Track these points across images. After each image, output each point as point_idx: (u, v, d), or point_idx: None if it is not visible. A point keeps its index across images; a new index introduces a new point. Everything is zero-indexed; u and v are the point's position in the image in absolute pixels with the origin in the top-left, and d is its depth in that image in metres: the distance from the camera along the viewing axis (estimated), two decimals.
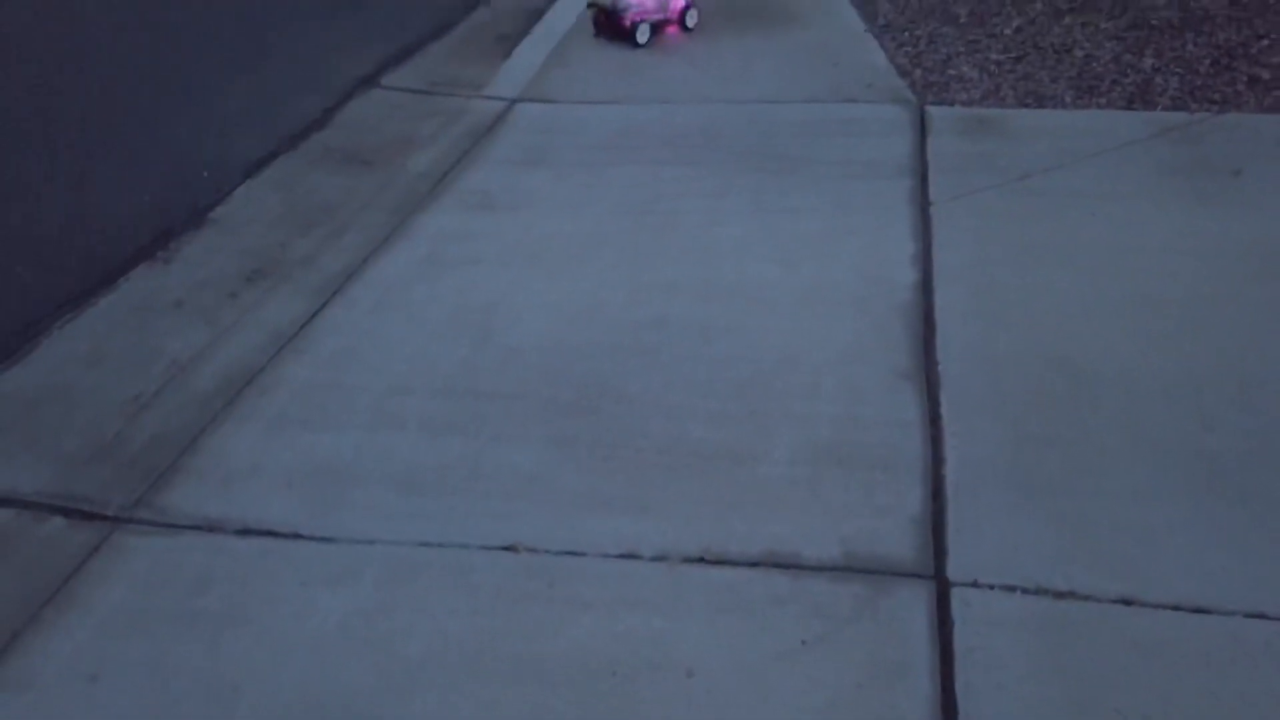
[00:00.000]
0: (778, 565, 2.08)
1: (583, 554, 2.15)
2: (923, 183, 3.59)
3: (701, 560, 2.11)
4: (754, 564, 2.09)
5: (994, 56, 4.66)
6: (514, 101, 4.53)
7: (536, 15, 5.60)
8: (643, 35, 4.93)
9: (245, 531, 2.23)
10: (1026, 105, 4.16)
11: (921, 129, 4.00)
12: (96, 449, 2.46)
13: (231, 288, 3.13)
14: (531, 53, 5.07)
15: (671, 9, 5.03)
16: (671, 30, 5.09)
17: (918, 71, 4.56)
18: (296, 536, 2.22)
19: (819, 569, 2.07)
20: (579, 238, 3.41)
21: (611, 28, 4.96)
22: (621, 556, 2.14)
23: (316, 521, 2.26)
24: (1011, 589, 2.01)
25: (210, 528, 2.24)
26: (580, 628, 1.98)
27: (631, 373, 2.72)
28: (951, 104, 4.22)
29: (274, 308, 3.04)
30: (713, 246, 3.32)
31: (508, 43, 5.27)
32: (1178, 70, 4.33)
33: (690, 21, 5.12)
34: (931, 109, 4.17)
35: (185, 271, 3.21)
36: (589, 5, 5.12)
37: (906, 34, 5.00)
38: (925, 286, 2.98)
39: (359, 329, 2.96)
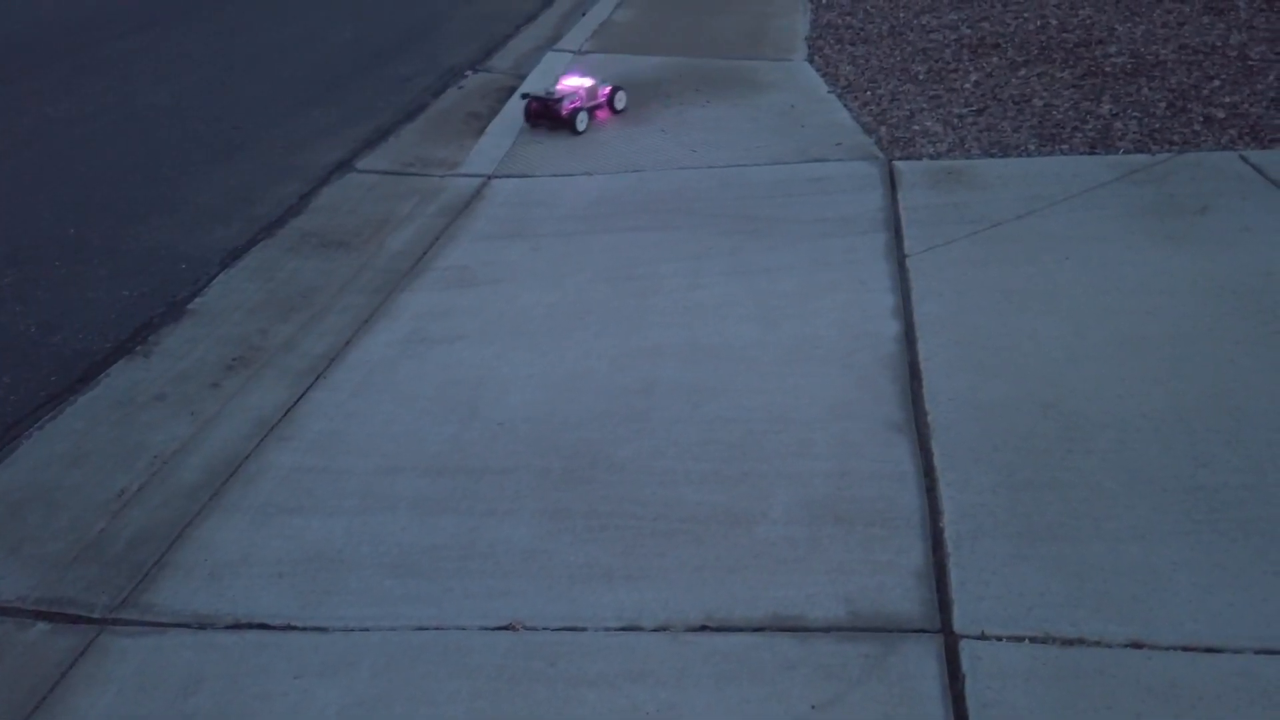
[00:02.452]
0: (783, 629, 2.04)
1: (583, 629, 2.11)
2: (897, 236, 3.64)
3: (705, 628, 2.07)
4: (759, 629, 2.05)
5: (956, 110, 4.78)
6: (489, 177, 4.58)
7: (507, 93, 5.71)
8: (582, 123, 4.93)
9: (236, 626, 2.17)
10: (992, 155, 4.26)
11: (891, 183, 4.07)
12: (80, 549, 2.40)
13: (213, 377, 3.11)
14: (503, 130, 5.15)
15: (600, 94, 5.07)
16: (602, 115, 5.10)
17: (883, 128, 4.66)
18: (289, 628, 2.16)
19: (825, 630, 2.03)
20: (561, 307, 3.42)
21: (548, 117, 4.94)
22: (623, 629, 2.10)
23: (309, 611, 2.20)
24: (1019, 639, 1.98)
25: (199, 624, 2.18)
26: (585, 705, 1.93)
27: (622, 440, 2.70)
28: (919, 158, 4.31)
29: (257, 395, 3.01)
30: (694, 309, 3.33)
31: (479, 121, 5.36)
32: (1135, 114, 4.45)
33: (619, 104, 5.14)
34: (900, 164, 4.25)
35: (166, 364, 3.19)
36: (522, 95, 5.14)
37: (869, 93, 5.13)
38: (908, 338, 3.00)
39: (344, 411, 2.93)
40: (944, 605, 2.07)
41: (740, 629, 2.06)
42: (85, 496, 2.59)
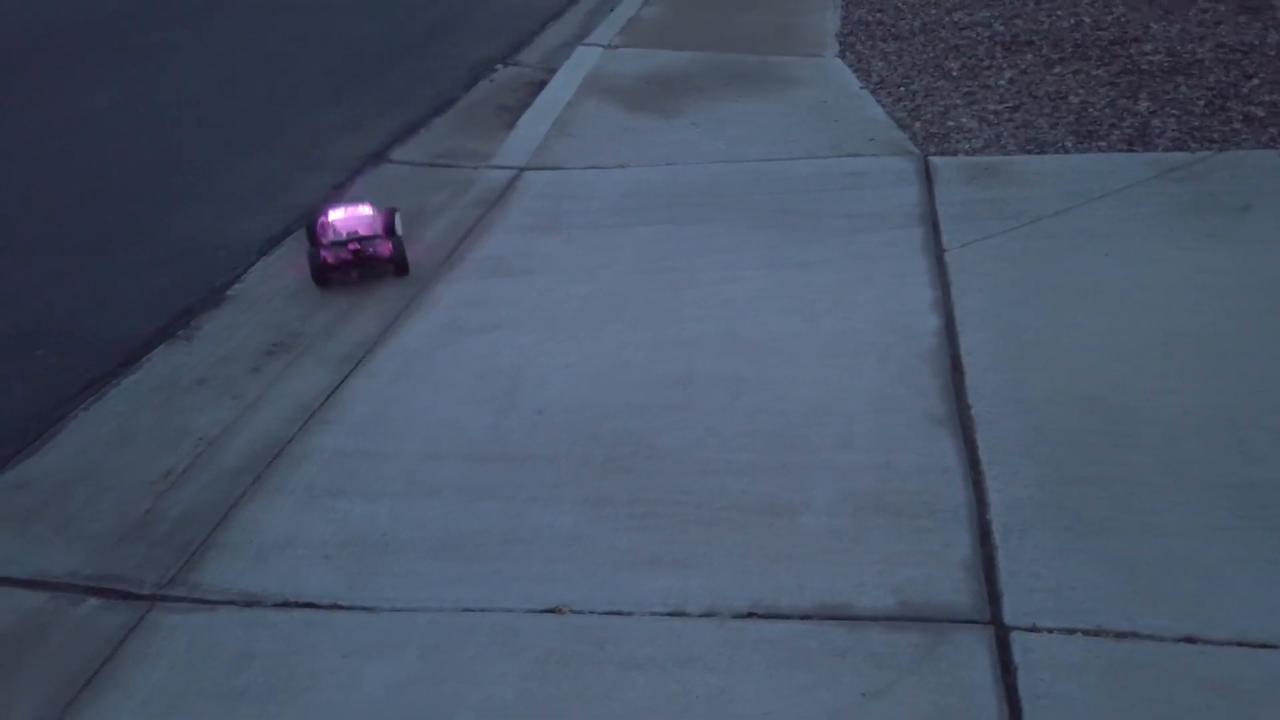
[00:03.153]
0: (831, 617, 2.04)
1: (629, 613, 2.11)
2: (934, 231, 3.62)
3: (752, 615, 2.07)
4: (806, 617, 2.05)
5: (991, 107, 4.76)
6: (521, 170, 4.59)
7: (537, 86, 5.72)
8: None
9: (284, 604, 2.19)
10: (1029, 151, 4.23)
11: (927, 179, 4.06)
12: (128, 528, 2.42)
13: (254, 362, 3.12)
14: (535, 123, 5.16)
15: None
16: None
17: (917, 124, 4.65)
18: (336, 607, 2.17)
19: (874, 619, 2.03)
20: (597, 299, 3.42)
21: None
22: (669, 614, 2.10)
23: (356, 592, 2.22)
24: (1071, 631, 1.97)
25: (248, 602, 2.19)
26: (635, 688, 1.93)
27: (662, 429, 2.70)
28: (954, 153, 4.29)
29: (297, 380, 3.03)
30: (731, 302, 3.33)
31: (511, 114, 5.37)
32: (1174, 112, 4.42)
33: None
34: (935, 159, 4.23)
35: (207, 348, 3.21)
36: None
37: (902, 89, 5.11)
38: (949, 332, 2.99)
39: (384, 397, 2.94)
40: (993, 597, 2.06)
41: (788, 616, 2.06)
42: (131, 477, 2.61)
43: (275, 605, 2.19)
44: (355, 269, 3.57)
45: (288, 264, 3.76)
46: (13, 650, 2.08)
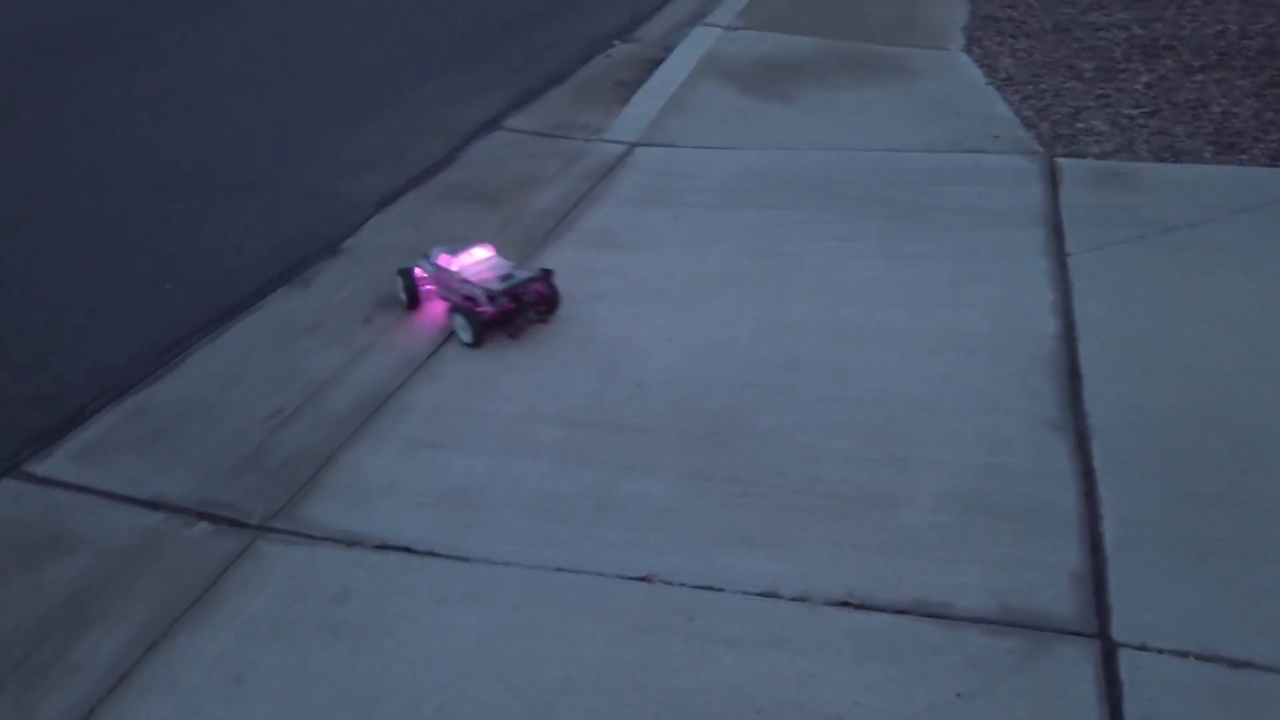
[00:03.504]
0: (928, 614, 1.99)
1: (720, 589, 2.10)
2: (1057, 234, 3.49)
3: (846, 604, 2.03)
4: (902, 611, 2.00)
5: (1125, 111, 4.55)
6: (633, 145, 4.58)
7: (653, 64, 5.70)
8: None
9: (383, 547, 2.24)
10: (1163, 160, 4.04)
11: (1052, 180, 3.91)
12: (239, 460, 2.51)
13: (365, 313, 3.20)
14: (649, 99, 5.14)
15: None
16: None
17: (1045, 124, 4.48)
18: (433, 555, 2.22)
19: (973, 621, 1.97)
20: (703, 276, 3.40)
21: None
22: (761, 595, 2.08)
23: (452, 541, 2.26)
24: (1184, 654, 1.88)
25: (349, 541, 2.25)
26: (722, 664, 1.92)
27: (763, 411, 2.68)
28: (1083, 156, 4.12)
29: (405, 334, 3.09)
30: (839, 289, 3.27)
31: (625, 89, 5.37)
32: None
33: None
34: (1062, 161, 4.07)
35: (321, 297, 3.30)
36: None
37: (1030, 88, 4.93)
38: (1068, 337, 2.88)
39: (488, 357, 2.98)
40: (1101, 611, 1.98)
41: (883, 609, 2.01)
42: (244, 412, 2.70)
43: (374, 547, 2.24)
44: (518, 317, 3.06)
45: (400, 222, 3.85)
46: (131, 564, 2.18)
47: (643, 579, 2.14)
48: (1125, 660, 1.87)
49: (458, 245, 3.19)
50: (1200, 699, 1.80)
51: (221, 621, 2.04)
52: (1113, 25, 5.76)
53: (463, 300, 3.05)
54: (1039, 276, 3.23)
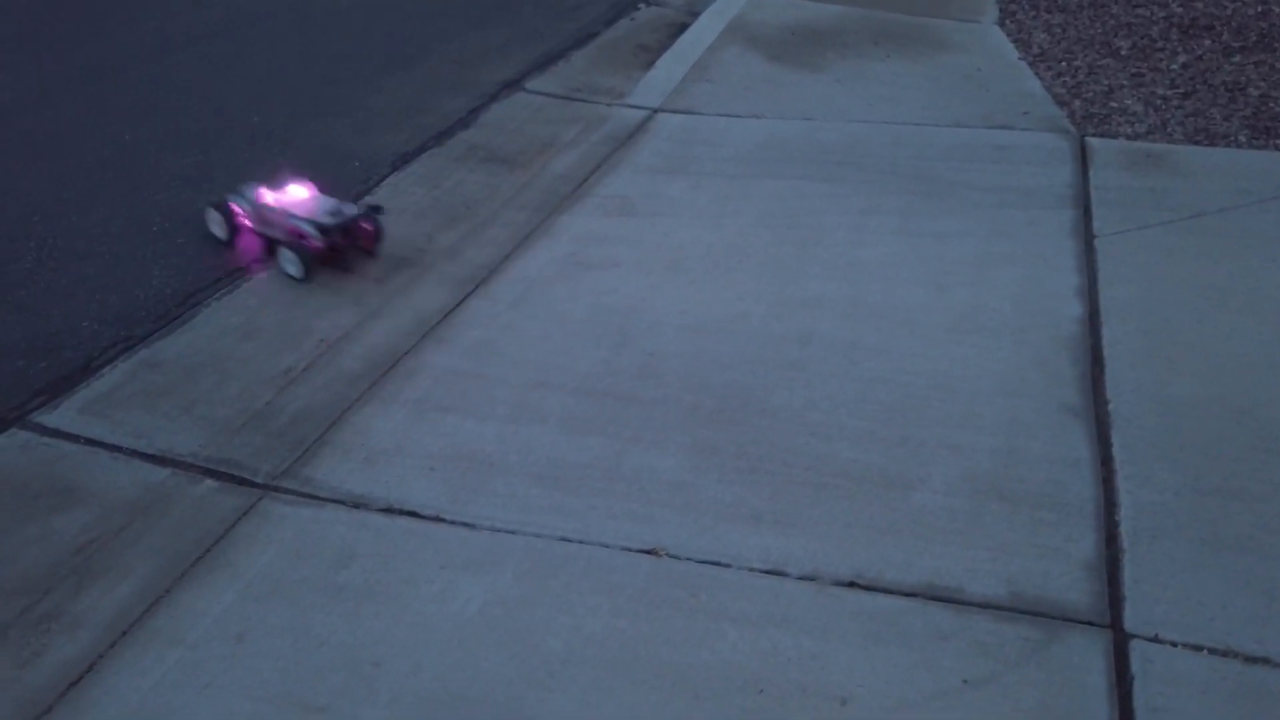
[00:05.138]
0: (937, 598, 1.96)
1: (727, 565, 2.07)
2: (1085, 215, 3.41)
3: (854, 585, 2.00)
4: (911, 594, 1.97)
5: (1160, 91, 4.44)
6: (655, 111, 4.51)
7: (678, 28, 5.60)
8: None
9: (388, 510, 2.22)
10: (1197, 142, 3.94)
11: (1083, 160, 3.82)
12: (248, 417, 2.50)
13: (378, 273, 3.17)
14: (673, 65, 5.06)
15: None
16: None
17: (1077, 102, 4.38)
18: (438, 520, 2.20)
19: (983, 606, 1.94)
20: (719, 248, 3.35)
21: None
22: (768, 572, 2.05)
23: (458, 507, 2.24)
24: (1198, 648, 1.85)
25: (354, 503, 2.24)
26: (725, 641, 1.89)
27: (775, 386, 2.64)
28: (1115, 136, 4.02)
29: (419, 296, 3.06)
30: (858, 265, 3.21)
31: (649, 54, 5.28)
32: None
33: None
34: (1093, 140, 3.98)
35: None
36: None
37: (1063, 64, 4.81)
38: (1092, 321, 2.82)
39: (500, 322, 2.95)
40: (1115, 601, 1.94)
41: (891, 591, 1.99)
42: (254, 369, 2.69)
43: (380, 510, 2.23)
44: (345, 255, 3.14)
45: (416, 183, 3.80)
46: (137, 519, 2.17)
47: (649, 552, 2.11)
48: (1137, 652, 1.84)
49: (275, 181, 3.24)
50: (1213, 694, 1.76)
51: (225, 579, 2.03)
52: (1151, 2, 5.61)
53: (290, 235, 3.08)
54: (1065, 258, 3.16)
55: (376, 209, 3.20)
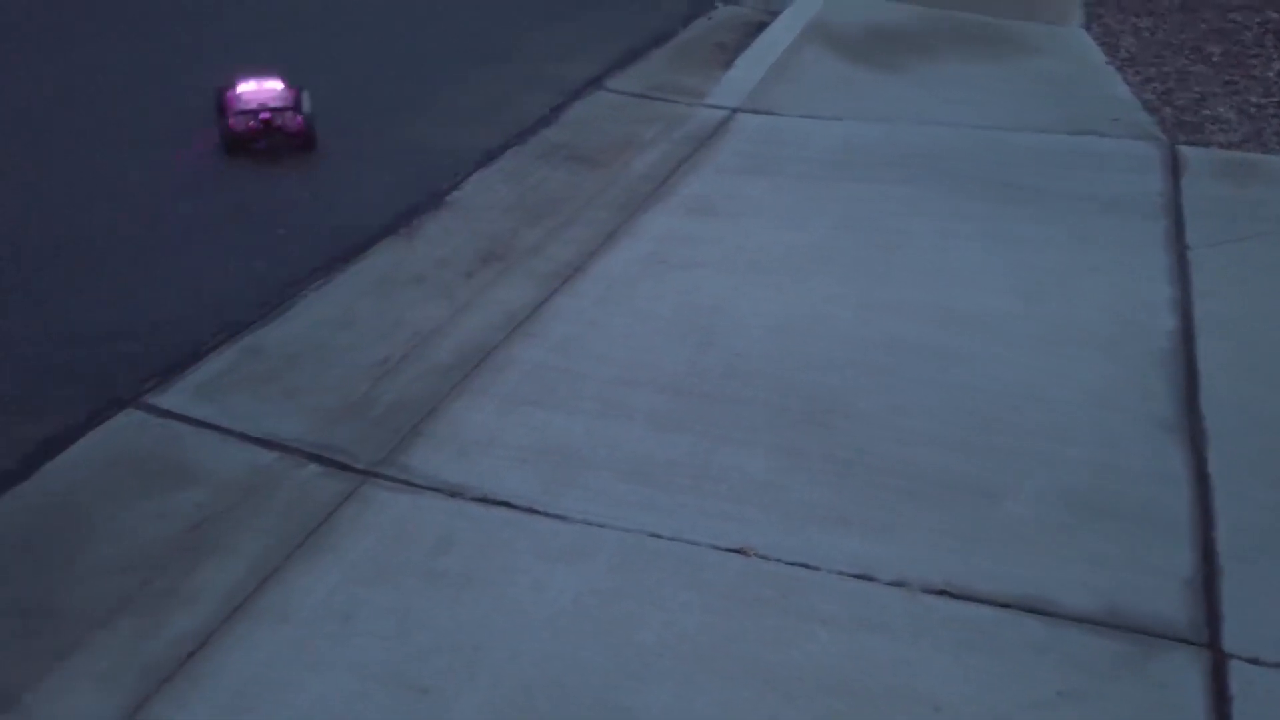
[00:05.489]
0: (1030, 610, 1.96)
1: (816, 568, 2.10)
2: (1177, 225, 3.36)
3: (945, 593, 2.01)
4: (1004, 605, 1.98)
5: (1255, 100, 4.33)
6: (735, 111, 4.53)
7: (758, 28, 5.61)
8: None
9: (484, 500, 2.29)
10: None
11: (1174, 169, 3.75)
12: (347, 405, 2.59)
13: (468, 267, 3.25)
14: (752, 64, 5.07)
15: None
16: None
17: (1167, 109, 4.30)
18: (532, 511, 2.26)
19: (1077, 620, 1.94)
20: (802, 249, 3.36)
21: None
22: (857, 576, 2.07)
23: (550, 499, 2.29)
24: None
25: (451, 492, 2.31)
26: (816, 642, 1.92)
27: (862, 391, 2.65)
28: (1207, 145, 3.95)
29: (506, 290, 3.13)
30: (944, 270, 3.20)
31: (728, 53, 5.30)
32: None
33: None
34: (1185, 149, 3.90)
35: (426, 249, 3.35)
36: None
37: (1153, 70, 4.72)
38: (1185, 335, 2.78)
39: (586, 319, 3.00)
40: (1212, 620, 1.92)
41: (983, 601, 1.99)
42: (352, 359, 2.78)
43: (475, 499, 2.29)
44: (264, 139, 3.80)
45: (502, 180, 3.88)
46: (246, 499, 2.27)
47: (738, 551, 2.15)
48: (1236, 673, 1.82)
49: (262, 76, 3.88)
50: None
51: (330, 561, 2.12)
52: (1245, 6, 5.47)
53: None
54: (1157, 269, 3.11)
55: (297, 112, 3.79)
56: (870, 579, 2.06)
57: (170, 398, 2.60)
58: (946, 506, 2.24)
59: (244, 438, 2.46)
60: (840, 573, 2.08)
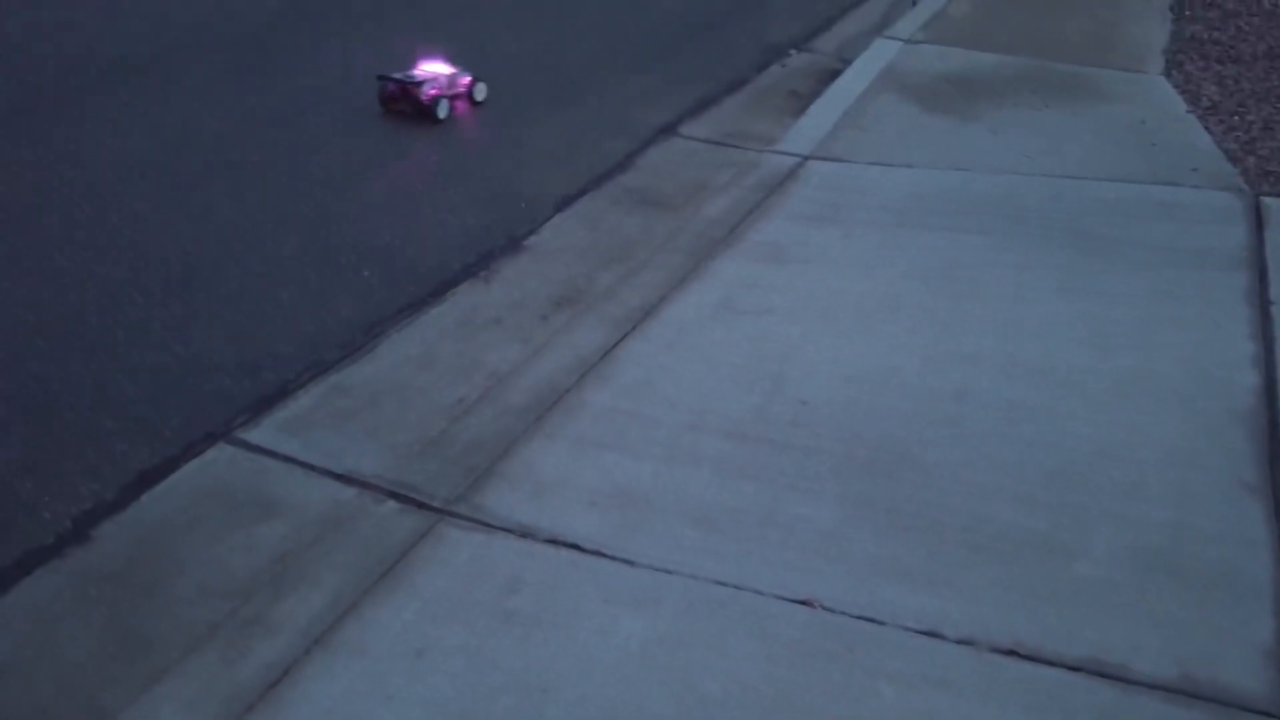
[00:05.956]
0: (1102, 674, 1.93)
1: (882, 623, 2.10)
2: (1261, 279, 3.29)
3: (1014, 653, 2.00)
4: (1074, 668, 1.96)
5: None
6: (805, 158, 4.58)
7: (830, 75, 5.67)
8: (442, 111, 4.79)
9: (553, 541, 2.34)
10: None
11: (1257, 220, 3.68)
12: (425, 444, 2.68)
13: (543, 310, 3.34)
14: (824, 112, 5.12)
15: (460, 84, 4.94)
16: (461, 106, 4.97)
17: (1251, 159, 4.21)
18: (600, 554, 2.31)
19: (1150, 686, 1.90)
20: (872, 298, 3.38)
21: (407, 101, 4.77)
22: (924, 633, 2.07)
23: (618, 543, 2.34)
24: None
25: (523, 533, 2.37)
26: (882, 699, 1.92)
27: (930, 443, 2.65)
28: None
29: (579, 334, 3.21)
30: (1016, 321, 3.19)
31: (800, 100, 5.36)
32: None
33: (479, 95, 5.04)
34: (1269, 200, 3.82)
35: (503, 292, 3.46)
36: (378, 78, 4.84)
37: (1236, 118, 4.64)
38: (1269, 393, 2.71)
39: (656, 363, 3.06)
40: None
41: (1053, 663, 1.97)
42: (430, 399, 2.88)
43: (545, 540, 2.35)
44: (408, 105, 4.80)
45: (577, 223, 3.98)
46: (328, 533, 2.36)
47: (803, 602, 2.16)
48: None
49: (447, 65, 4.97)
50: None
51: (405, 597, 2.19)
52: None
53: None
54: (1238, 324, 3.05)
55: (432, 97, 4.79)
56: (937, 636, 2.06)
57: (259, 433, 2.72)
58: (1015, 563, 2.22)
59: (327, 473, 2.57)
60: (906, 628, 2.08)
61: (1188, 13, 6.25)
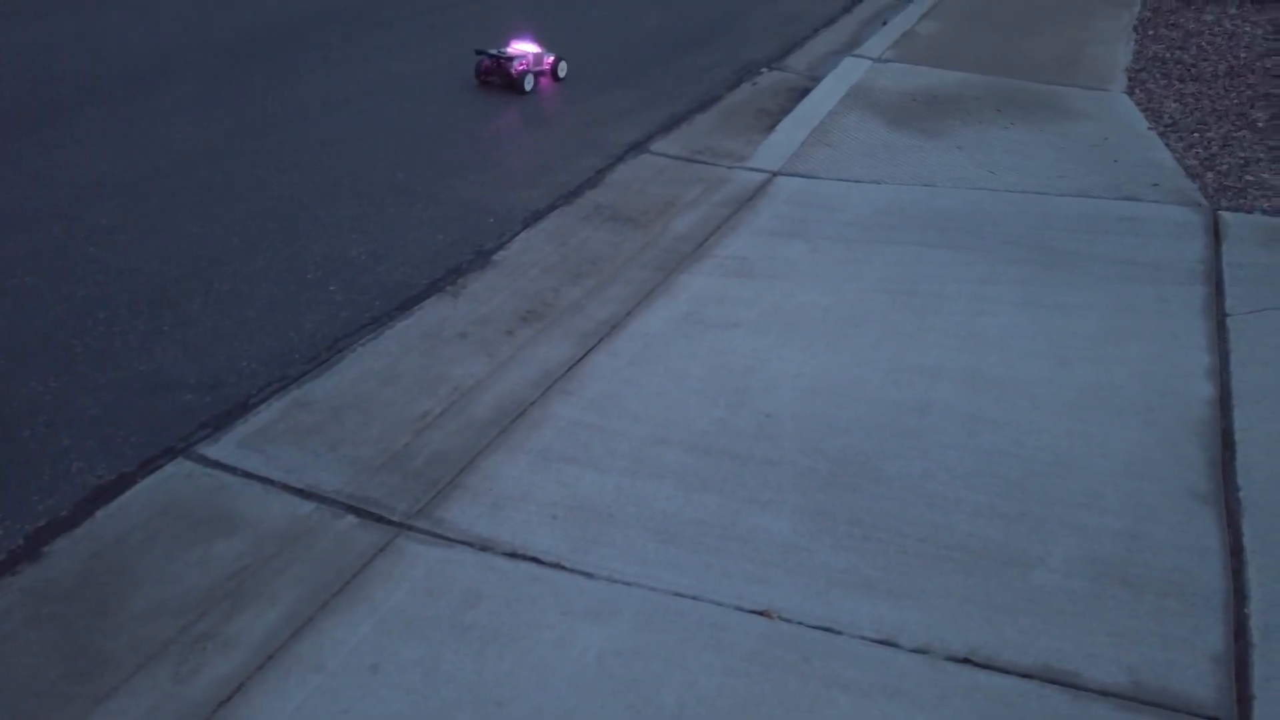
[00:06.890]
0: (1055, 681, 1.95)
1: (839, 633, 2.11)
2: (1218, 292, 3.34)
3: (968, 661, 2.01)
4: (1027, 675, 1.97)
5: None
6: (774, 174, 4.62)
7: (801, 93, 5.73)
8: (529, 84, 5.59)
9: (513, 554, 2.34)
10: None
11: (1215, 235, 3.74)
12: (387, 458, 2.67)
13: (508, 325, 3.34)
14: (793, 129, 5.17)
15: (545, 62, 5.75)
16: (545, 81, 5.80)
17: (1209, 174, 4.29)
18: (559, 567, 2.30)
19: (1102, 693, 1.92)
20: (837, 312, 3.41)
21: (499, 74, 5.58)
22: (880, 642, 2.07)
23: (578, 556, 2.34)
24: None
25: (482, 546, 2.37)
26: (837, 709, 1.92)
27: (891, 454, 2.66)
28: (1250, 211, 3.92)
29: (545, 348, 3.21)
30: (978, 335, 3.22)
31: (770, 118, 5.41)
32: None
33: (561, 72, 5.85)
34: (1227, 215, 3.89)
35: (470, 306, 3.46)
36: (476, 52, 5.67)
37: (1196, 135, 4.72)
38: (1223, 404, 2.75)
39: (621, 377, 3.07)
40: (1243, 699, 1.89)
41: (1007, 671, 1.98)
42: (394, 413, 2.87)
43: (505, 554, 2.34)
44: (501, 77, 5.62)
45: (546, 239, 3.99)
46: (285, 549, 2.35)
47: (761, 613, 2.16)
48: None
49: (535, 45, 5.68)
50: None
51: (363, 612, 2.18)
52: None
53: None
54: (1195, 336, 3.10)
55: (521, 72, 5.59)
56: (893, 645, 2.07)
57: (219, 448, 2.70)
58: (973, 573, 2.24)
59: (286, 488, 2.55)
60: (863, 638, 2.09)
61: (1150, 32, 6.37)
